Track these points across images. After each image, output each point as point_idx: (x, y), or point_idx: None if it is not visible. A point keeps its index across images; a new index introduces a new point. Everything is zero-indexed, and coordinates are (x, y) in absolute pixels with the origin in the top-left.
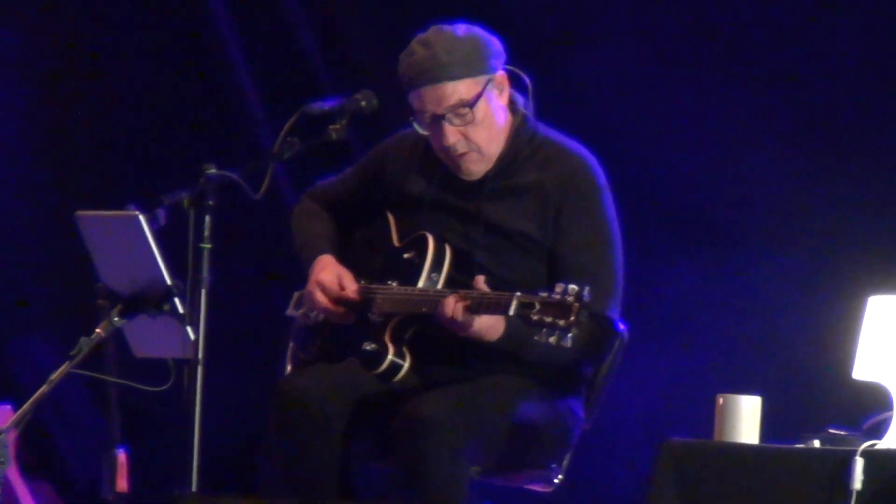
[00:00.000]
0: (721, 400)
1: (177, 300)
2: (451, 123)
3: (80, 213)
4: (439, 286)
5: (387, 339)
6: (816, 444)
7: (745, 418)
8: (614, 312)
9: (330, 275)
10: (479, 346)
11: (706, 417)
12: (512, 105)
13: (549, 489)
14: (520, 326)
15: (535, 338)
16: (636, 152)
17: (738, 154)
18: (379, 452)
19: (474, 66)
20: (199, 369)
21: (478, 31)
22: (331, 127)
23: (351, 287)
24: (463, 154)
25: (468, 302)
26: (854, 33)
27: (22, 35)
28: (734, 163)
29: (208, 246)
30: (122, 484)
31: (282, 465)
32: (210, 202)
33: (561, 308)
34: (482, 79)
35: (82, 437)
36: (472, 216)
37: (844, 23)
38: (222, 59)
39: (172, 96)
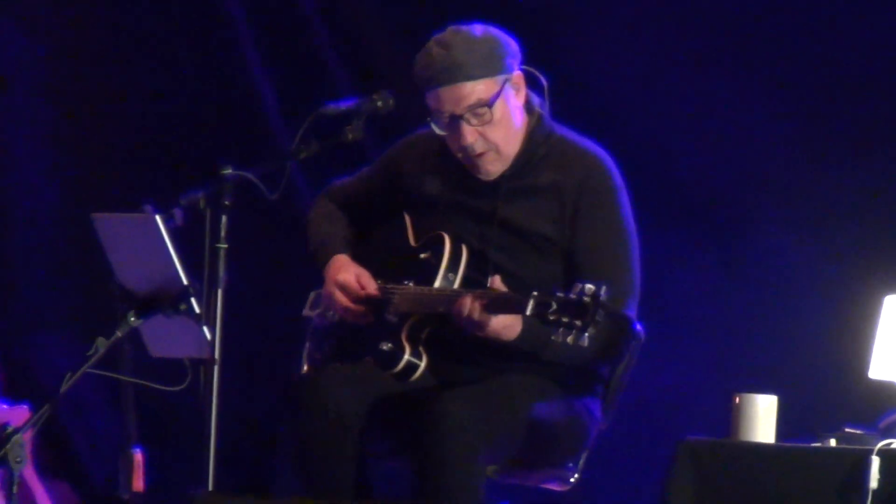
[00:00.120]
0: (737, 399)
1: (193, 300)
2: (469, 123)
3: (96, 214)
4: (456, 286)
5: (403, 338)
6: (833, 443)
7: (762, 417)
8: (631, 312)
9: (349, 275)
10: (496, 346)
11: (723, 416)
12: (528, 105)
13: (565, 488)
14: (537, 326)
15: (553, 337)
16: (652, 150)
17: (757, 152)
18: (395, 451)
19: (492, 65)
20: (216, 369)
21: (495, 31)
22: (347, 127)
23: (370, 286)
24: (481, 154)
25: (485, 301)
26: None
27: (39, 38)
28: (752, 161)
29: (225, 246)
30: (138, 483)
31: (298, 464)
32: (226, 202)
33: (578, 307)
34: (500, 78)
35: (99, 437)
36: (488, 216)
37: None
38: (239, 61)
39: (189, 97)
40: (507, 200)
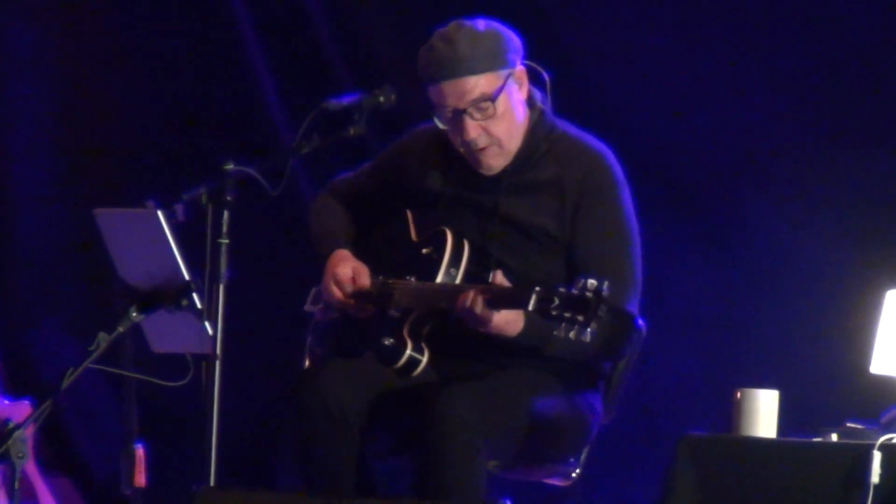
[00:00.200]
0: (739, 394)
1: (195, 295)
2: (473, 118)
3: (98, 209)
4: (457, 281)
5: (405, 333)
6: (834, 438)
7: (763, 412)
8: (633, 307)
9: (345, 269)
10: (498, 342)
11: (724, 411)
12: (530, 100)
13: (566, 483)
14: (539, 322)
15: (555, 333)
16: (653, 145)
17: (758, 148)
18: (397, 447)
19: (496, 60)
20: (217, 364)
21: (497, 25)
22: (349, 123)
23: (363, 280)
24: (483, 148)
25: (487, 296)
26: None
27: (43, 33)
28: (754, 157)
29: (226, 241)
30: (140, 479)
31: (300, 459)
32: (228, 198)
33: (580, 303)
34: (503, 73)
35: (101, 432)
36: (489, 212)
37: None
38: (241, 56)
39: (191, 92)
40: (509, 196)
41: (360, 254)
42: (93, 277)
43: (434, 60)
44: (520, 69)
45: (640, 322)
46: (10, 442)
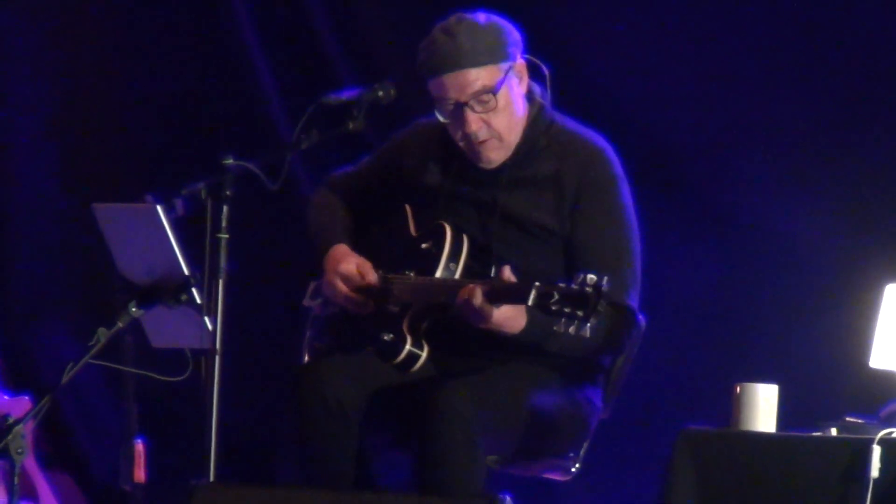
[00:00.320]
0: (738, 388)
1: (194, 290)
2: (474, 110)
3: (97, 204)
4: (457, 276)
5: (405, 328)
6: (833, 432)
7: (763, 406)
8: (633, 302)
9: (350, 264)
10: (497, 337)
11: (724, 406)
12: (530, 94)
13: (566, 478)
14: (540, 319)
15: (555, 328)
16: (653, 140)
17: (759, 142)
18: (396, 442)
19: (496, 53)
20: (217, 359)
21: (498, 18)
22: (348, 118)
23: (371, 276)
24: (484, 141)
25: (487, 290)
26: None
27: (42, 29)
28: (754, 151)
29: (226, 236)
30: (139, 474)
31: (299, 454)
32: (228, 193)
33: (580, 298)
34: (504, 66)
35: (100, 428)
36: (489, 206)
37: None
38: (240, 51)
39: (191, 87)
40: (508, 191)
41: (358, 248)
42: (92, 273)
43: (435, 53)
44: (520, 63)
45: (640, 317)
46: (9, 437)
